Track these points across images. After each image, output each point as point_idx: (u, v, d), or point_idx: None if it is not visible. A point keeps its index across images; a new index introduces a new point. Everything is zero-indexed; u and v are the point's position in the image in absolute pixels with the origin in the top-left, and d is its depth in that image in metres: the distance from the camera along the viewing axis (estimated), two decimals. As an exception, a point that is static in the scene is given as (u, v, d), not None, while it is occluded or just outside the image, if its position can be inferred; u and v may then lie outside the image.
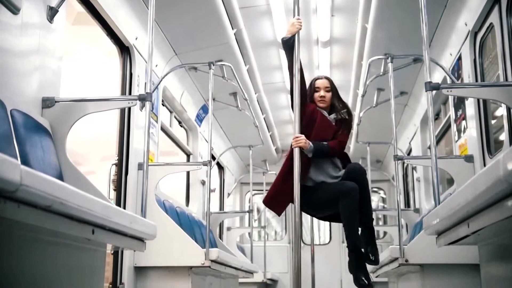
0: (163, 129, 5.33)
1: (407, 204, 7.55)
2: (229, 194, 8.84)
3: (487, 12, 3.78)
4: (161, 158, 5.02)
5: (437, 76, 4.93)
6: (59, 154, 2.98)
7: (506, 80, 3.48)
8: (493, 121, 4.11)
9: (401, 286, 5.16)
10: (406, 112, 6.64)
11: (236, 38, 5.35)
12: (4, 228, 1.61)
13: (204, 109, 6.49)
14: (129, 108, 4.26)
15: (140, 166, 4.28)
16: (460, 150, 4.56)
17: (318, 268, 6.97)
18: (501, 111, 3.72)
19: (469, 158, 4.17)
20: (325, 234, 10.14)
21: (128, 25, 4.22)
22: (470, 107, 4.25)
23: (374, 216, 3.96)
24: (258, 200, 10.07)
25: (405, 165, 7.38)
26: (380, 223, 9.62)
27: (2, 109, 2.49)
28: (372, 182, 7.11)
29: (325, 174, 3.46)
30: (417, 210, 6.41)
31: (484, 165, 3.94)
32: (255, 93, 6.67)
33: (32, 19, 2.91)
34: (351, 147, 7.70)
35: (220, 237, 7.75)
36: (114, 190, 4.17)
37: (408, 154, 7.04)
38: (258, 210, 9.83)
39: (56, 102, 3.08)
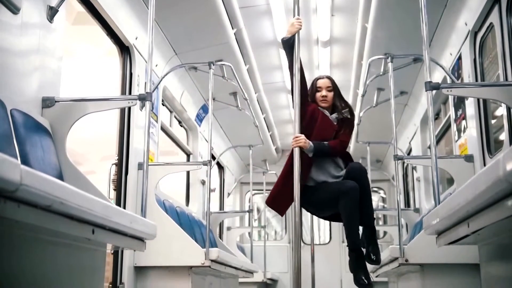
0: (163, 129, 5.33)
1: (407, 204, 7.55)
2: (229, 194, 8.84)
3: (487, 12, 3.78)
4: (161, 158, 5.02)
5: (437, 76, 4.93)
6: (59, 154, 2.98)
7: (506, 79, 3.48)
8: (493, 121, 4.11)
9: (401, 286, 5.17)
10: (406, 112, 6.64)
11: (236, 38, 5.35)
12: (4, 228, 1.61)
13: (204, 108, 6.49)
14: (129, 108, 4.26)
15: (140, 166, 4.28)
16: (460, 150, 4.56)
17: (318, 268, 6.97)
18: (501, 110, 3.72)
19: (469, 158, 4.17)
20: (325, 233, 10.14)
21: (128, 25, 4.22)
22: (470, 107, 4.25)
23: (374, 215, 3.96)
24: (258, 200, 10.08)
25: (405, 165, 7.38)
26: (380, 222, 9.62)
27: (2, 109, 2.49)
28: (372, 182, 7.08)
29: (326, 174, 3.46)
30: (417, 210, 6.41)
31: (484, 165, 3.94)
32: (255, 93, 6.67)
33: (32, 18, 2.91)
34: (351, 147, 7.69)
35: (220, 237, 7.76)
36: (114, 190, 4.17)
37: (408, 154, 7.04)
38: (258, 210, 9.83)
39: (56, 102, 3.07)
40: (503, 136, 3.69)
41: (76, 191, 1.65)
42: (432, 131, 3.03)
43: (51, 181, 1.49)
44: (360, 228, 3.43)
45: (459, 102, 4.62)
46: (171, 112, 5.88)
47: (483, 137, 4.06)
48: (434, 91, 3.05)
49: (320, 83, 3.59)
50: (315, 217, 6.99)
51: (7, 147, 2.43)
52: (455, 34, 4.44)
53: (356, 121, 6.03)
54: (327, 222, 9.12)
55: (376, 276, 5.74)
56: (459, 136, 4.62)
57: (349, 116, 3.59)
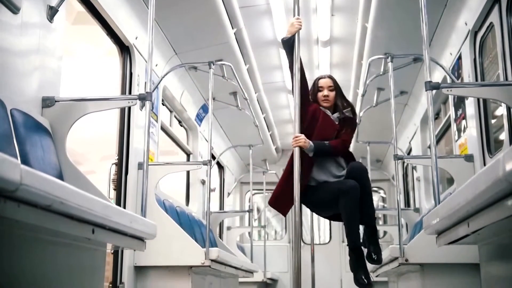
0: (163, 129, 5.33)
1: (407, 203, 7.55)
2: (229, 194, 8.84)
3: (487, 11, 3.78)
4: (161, 158, 5.02)
5: (437, 76, 4.93)
6: (59, 153, 2.98)
7: (506, 79, 3.48)
8: (493, 121, 4.11)
9: (401, 286, 5.17)
10: (406, 112, 6.64)
11: (236, 38, 5.35)
12: (4, 227, 1.61)
13: (204, 108, 6.49)
14: (129, 108, 4.26)
15: (140, 166, 4.28)
16: (460, 149, 4.56)
17: (318, 268, 6.97)
18: (501, 110, 3.72)
19: (469, 158, 4.17)
20: (325, 233, 10.14)
21: (128, 24, 4.22)
22: (470, 107, 4.25)
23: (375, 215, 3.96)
24: (258, 200, 10.09)
25: (405, 164, 7.38)
26: (380, 222, 9.62)
27: (2, 108, 2.49)
28: (372, 181, 7.03)
29: (328, 174, 3.45)
30: (417, 210, 6.41)
31: (484, 165, 3.94)
32: (255, 93, 6.67)
33: (32, 18, 2.91)
34: (351, 147, 7.69)
35: (220, 236, 7.76)
36: (114, 189, 4.17)
37: (408, 153, 7.04)
38: (258, 210, 9.84)
39: (56, 101, 3.08)
40: (503, 135, 3.69)
41: (76, 191, 1.65)
42: (432, 131, 3.03)
43: (51, 181, 1.49)
44: (361, 227, 3.42)
45: (459, 102, 4.62)
46: (171, 112, 5.88)
47: (483, 137, 4.06)
48: (434, 91, 3.05)
49: (321, 82, 3.59)
50: (315, 217, 7.02)
51: (7, 147, 2.43)
52: (455, 34, 4.44)
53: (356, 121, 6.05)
54: (327, 221, 9.11)
55: (376, 276, 5.74)
56: (459, 136, 4.62)
57: (351, 116, 3.58)
